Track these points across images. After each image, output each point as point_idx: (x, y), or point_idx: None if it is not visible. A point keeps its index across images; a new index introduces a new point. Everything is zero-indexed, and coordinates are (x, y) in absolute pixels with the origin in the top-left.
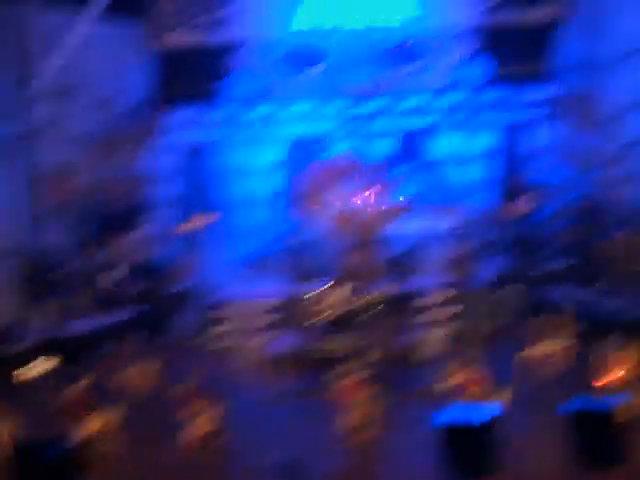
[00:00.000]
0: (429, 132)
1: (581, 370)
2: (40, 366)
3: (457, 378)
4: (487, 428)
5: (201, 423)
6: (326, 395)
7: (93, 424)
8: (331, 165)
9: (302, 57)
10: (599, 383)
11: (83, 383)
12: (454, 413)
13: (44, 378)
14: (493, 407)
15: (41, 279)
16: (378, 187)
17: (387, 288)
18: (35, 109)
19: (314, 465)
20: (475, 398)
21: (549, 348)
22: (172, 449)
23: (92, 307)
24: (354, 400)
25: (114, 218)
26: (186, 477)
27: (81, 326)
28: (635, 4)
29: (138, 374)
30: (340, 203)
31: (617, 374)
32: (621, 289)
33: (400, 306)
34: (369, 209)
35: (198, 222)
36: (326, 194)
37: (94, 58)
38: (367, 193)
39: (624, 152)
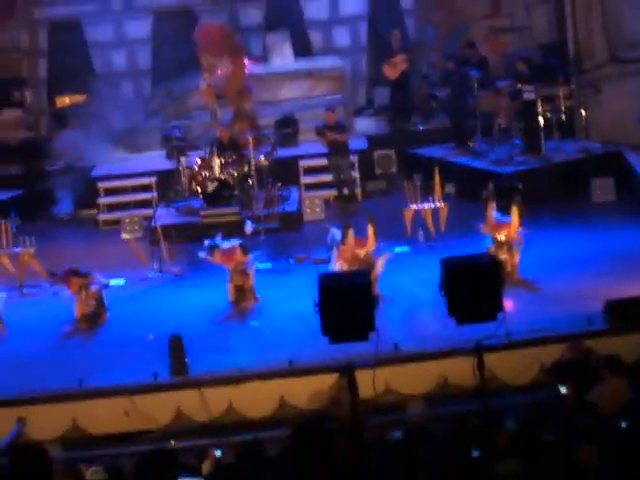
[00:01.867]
0: None
1: (460, 227)
2: None
3: (338, 242)
4: (368, 289)
5: (81, 302)
6: (209, 265)
7: None
8: (203, 35)
9: None
10: (486, 234)
11: None
12: (335, 276)
13: None
14: (376, 268)
15: None
16: (249, 56)
17: (263, 157)
18: None
19: (197, 338)
20: (357, 260)
21: (427, 208)
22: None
23: None
24: (235, 269)
25: None
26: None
27: None
28: None
29: (18, 257)
30: (211, 74)
31: (498, 230)
32: (493, 146)
33: (277, 174)
34: (241, 78)
35: (69, 99)
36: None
37: None
38: (239, 62)
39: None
